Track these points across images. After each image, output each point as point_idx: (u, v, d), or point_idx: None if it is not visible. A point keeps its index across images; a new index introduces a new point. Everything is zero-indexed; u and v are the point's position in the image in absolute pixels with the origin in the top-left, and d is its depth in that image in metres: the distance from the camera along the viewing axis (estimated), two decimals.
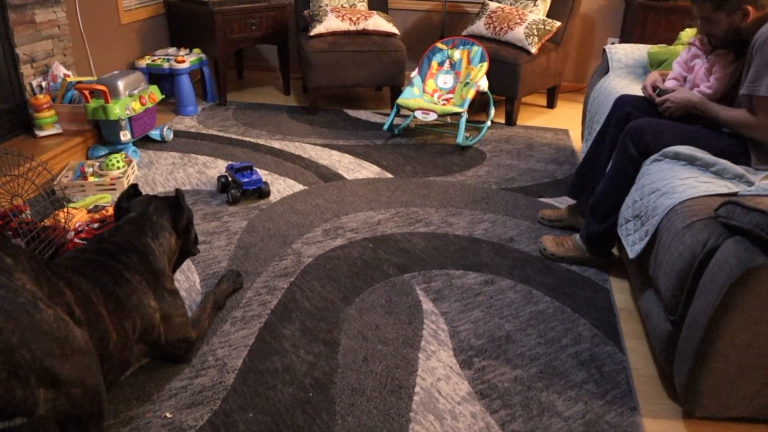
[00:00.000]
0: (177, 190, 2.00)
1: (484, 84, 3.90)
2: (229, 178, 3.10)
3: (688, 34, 3.44)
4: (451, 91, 4.01)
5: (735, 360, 1.65)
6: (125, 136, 3.41)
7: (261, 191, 3.04)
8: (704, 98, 2.36)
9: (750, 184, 1.99)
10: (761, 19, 2.19)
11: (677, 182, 2.03)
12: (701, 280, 1.69)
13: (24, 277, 1.30)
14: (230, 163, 3.32)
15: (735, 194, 1.90)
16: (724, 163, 2.10)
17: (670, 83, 2.61)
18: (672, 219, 1.91)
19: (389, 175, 3.37)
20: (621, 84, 3.21)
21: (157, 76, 4.32)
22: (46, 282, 1.40)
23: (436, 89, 4.05)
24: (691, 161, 2.15)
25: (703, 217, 1.80)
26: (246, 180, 2.97)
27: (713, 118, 2.30)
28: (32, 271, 1.37)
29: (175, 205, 1.99)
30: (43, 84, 3.49)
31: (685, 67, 2.60)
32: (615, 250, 2.63)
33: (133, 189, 2.07)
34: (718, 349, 1.64)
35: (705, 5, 2.22)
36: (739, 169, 2.06)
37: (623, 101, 2.63)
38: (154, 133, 3.73)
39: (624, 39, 4.83)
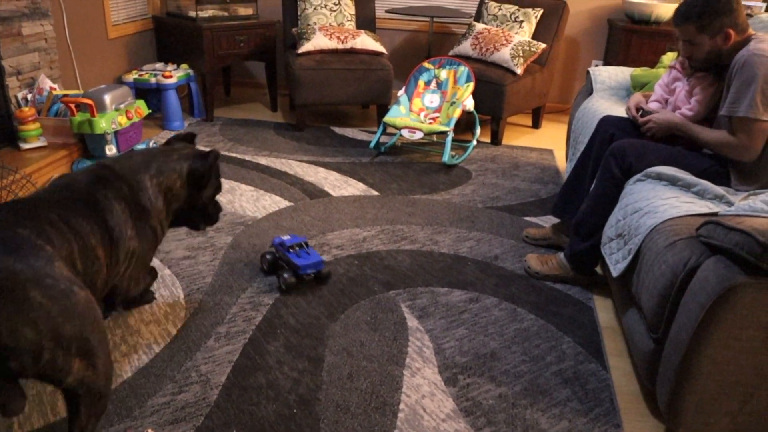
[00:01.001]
0: (213, 150, 2.05)
1: (470, 104, 3.94)
2: (277, 255, 2.55)
3: (669, 57, 3.50)
4: (438, 110, 4.05)
5: (716, 377, 1.67)
6: (111, 150, 3.40)
7: (321, 275, 2.49)
8: (686, 120, 2.41)
9: (730, 204, 2.03)
10: (741, 42, 2.25)
11: (659, 202, 2.06)
12: (683, 299, 1.71)
13: (61, 263, 1.46)
14: (277, 236, 2.65)
15: (715, 214, 1.93)
16: (705, 183, 2.13)
17: (652, 105, 2.65)
18: (654, 238, 1.93)
19: (375, 193, 3.38)
20: (604, 105, 3.25)
21: (144, 91, 4.31)
22: (66, 247, 1.55)
23: (423, 108, 4.08)
24: (672, 182, 2.19)
25: (684, 236, 1.83)
26: (304, 263, 2.41)
27: (694, 139, 2.34)
28: (60, 247, 1.53)
29: (202, 157, 2.03)
30: (29, 96, 3.47)
31: (666, 90, 2.65)
32: (599, 269, 2.65)
33: (191, 136, 2.21)
34: (700, 366, 1.66)
35: (689, 28, 2.27)
36: (720, 190, 2.10)
37: (607, 122, 2.67)
38: (140, 148, 3.72)
39: (608, 61, 4.91)
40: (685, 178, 2.17)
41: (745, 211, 1.77)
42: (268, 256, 2.53)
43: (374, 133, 4.42)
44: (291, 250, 2.48)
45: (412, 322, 2.26)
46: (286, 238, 2.55)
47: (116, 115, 3.39)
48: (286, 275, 2.41)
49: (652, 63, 4.42)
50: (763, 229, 1.55)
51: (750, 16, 4.17)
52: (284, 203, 3.19)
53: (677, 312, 1.73)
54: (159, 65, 4.47)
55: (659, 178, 2.23)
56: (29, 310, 1.31)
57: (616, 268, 2.15)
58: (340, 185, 3.46)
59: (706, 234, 1.72)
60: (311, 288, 2.44)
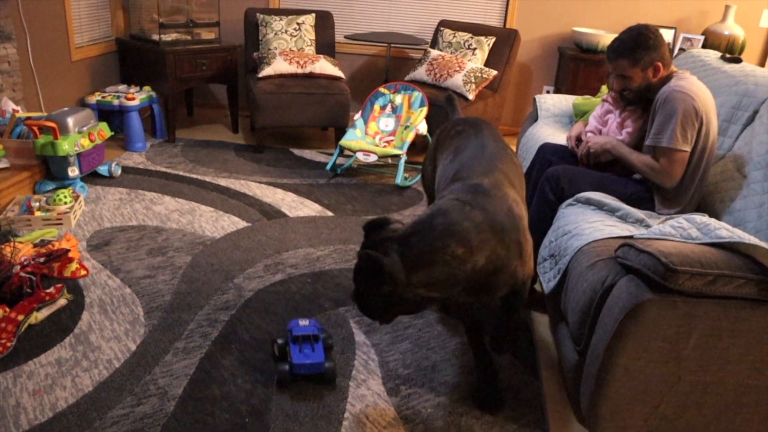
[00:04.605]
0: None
1: (423, 128, 4.12)
2: (283, 344, 2.23)
3: (606, 89, 3.74)
4: (392, 133, 4.22)
5: (629, 385, 1.85)
6: (73, 171, 3.49)
7: (322, 377, 2.13)
8: (618, 141, 2.60)
9: (648, 227, 2.22)
10: (666, 77, 2.47)
11: (586, 225, 2.25)
12: (600, 314, 1.89)
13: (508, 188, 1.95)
14: (295, 320, 2.28)
15: (632, 237, 2.12)
16: (628, 208, 2.33)
17: (587, 136, 2.86)
18: (579, 258, 2.11)
19: (330, 214, 3.53)
20: (547, 132, 3.46)
21: (106, 113, 4.40)
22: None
23: (378, 131, 4.25)
24: (599, 206, 2.38)
25: (604, 257, 2.01)
26: (299, 362, 2.09)
27: (624, 159, 2.53)
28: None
29: None
30: None
31: (600, 121, 2.85)
32: (538, 287, 2.83)
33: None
34: (614, 375, 1.83)
35: (622, 62, 2.48)
36: (641, 214, 2.30)
37: (545, 149, 2.87)
38: (102, 169, 3.81)
39: (558, 87, 5.15)
40: (610, 203, 2.37)
41: (655, 234, 1.96)
42: (279, 341, 2.22)
43: (332, 155, 4.58)
44: (296, 343, 2.17)
45: (359, 336, 2.41)
46: (303, 323, 2.25)
47: (79, 138, 3.49)
48: (283, 368, 2.10)
49: (597, 90, 4.67)
50: (666, 251, 1.75)
51: (684, 50, 4.45)
52: (242, 224, 3.32)
53: (596, 326, 1.91)
54: (122, 87, 4.56)
55: (588, 202, 2.42)
56: None
57: (548, 286, 2.33)
58: (296, 206, 3.60)
59: (621, 255, 1.91)
60: (265, 306, 2.57)
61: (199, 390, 2.06)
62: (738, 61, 3.03)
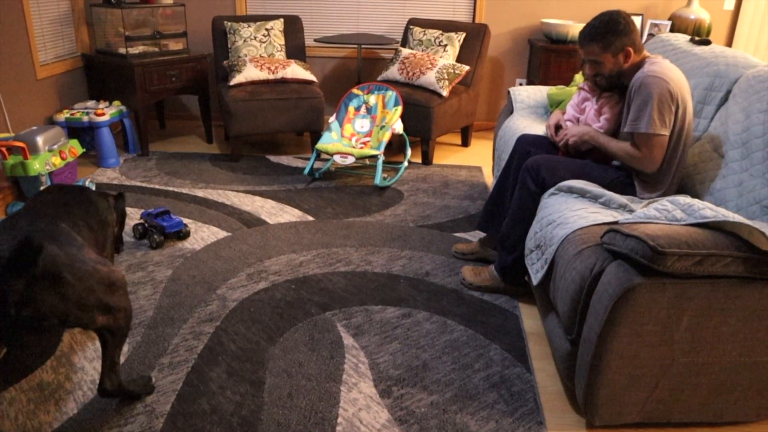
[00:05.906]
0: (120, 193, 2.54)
1: (399, 127, 4.10)
2: (147, 225, 3.20)
3: (580, 77, 3.74)
4: (368, 134, 4.19)
5: (624, 371, 1.83)
6: None
7: (182, 233, 3.20)
8: (596, 131, 2.60)
9: (632, 212, 2.22)
10: (638, 63, 2.47)
11: (570, 213, 2.24)
12: (591, 302, 1.87)
13: (89, 249, 1.90)
14: (145, 210, 3.45)
15: (617, 222, 2.11)
16: (610, 194, 2.32)
17: (565, 124, 2.85)
18: (566, 247, 2.10)
19: (311, 218, 3.49)
20: (524, 123, 3.45)
21: (76, 130, 4.32)
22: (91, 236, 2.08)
23: (354, 133, 4.22)
24: (582, 194, 2.37)
25: (591, 244, 2.00)
26: (168, 224, 3.11)
27: (604, 147, 2.53)
28: (88, 237, 2.04)
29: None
30: None
31: (577, 109, 2.85)
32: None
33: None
34: (608, 362, 1.82)
35: (593, 47, 2.48)
36: (623, 200, 2.29)
37: (523, 140, 2.85)
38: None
39: (530, 79, 5.16)
40: (592, 190, 2.36)
41: (640, 218, 1.95)
42: (139, 227, 3.20)
43: (309, 159, 4.53)
44: (158, 217, 3.17)
45: (347, 340, 2.37)
46: (151, 209, 3.30)
47: (50, 156, 3.41)
48: (155, 236, 3.09)
49: (570, 79, 4.69)
50: (653, 234, 1.73)
51: (652, 35, 4.48)
52: (222, 234, 3.27)
53: (587, 314, 1.89)
54: (91, 103, 4.48)
55: (570, 191, 2.41)
56: (61, 287, 1.69)
57: (536, 277, 2.31)
58: (276, 213, 3.55)
59: (608, 241, 1.89)
60: (250, 315, 2.52)
61: (187, 405, 2.01)
62: (707, 43, 3.04)
